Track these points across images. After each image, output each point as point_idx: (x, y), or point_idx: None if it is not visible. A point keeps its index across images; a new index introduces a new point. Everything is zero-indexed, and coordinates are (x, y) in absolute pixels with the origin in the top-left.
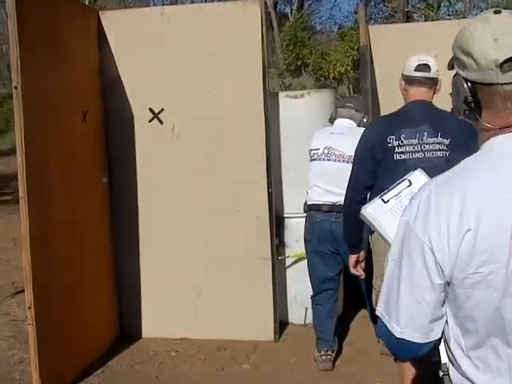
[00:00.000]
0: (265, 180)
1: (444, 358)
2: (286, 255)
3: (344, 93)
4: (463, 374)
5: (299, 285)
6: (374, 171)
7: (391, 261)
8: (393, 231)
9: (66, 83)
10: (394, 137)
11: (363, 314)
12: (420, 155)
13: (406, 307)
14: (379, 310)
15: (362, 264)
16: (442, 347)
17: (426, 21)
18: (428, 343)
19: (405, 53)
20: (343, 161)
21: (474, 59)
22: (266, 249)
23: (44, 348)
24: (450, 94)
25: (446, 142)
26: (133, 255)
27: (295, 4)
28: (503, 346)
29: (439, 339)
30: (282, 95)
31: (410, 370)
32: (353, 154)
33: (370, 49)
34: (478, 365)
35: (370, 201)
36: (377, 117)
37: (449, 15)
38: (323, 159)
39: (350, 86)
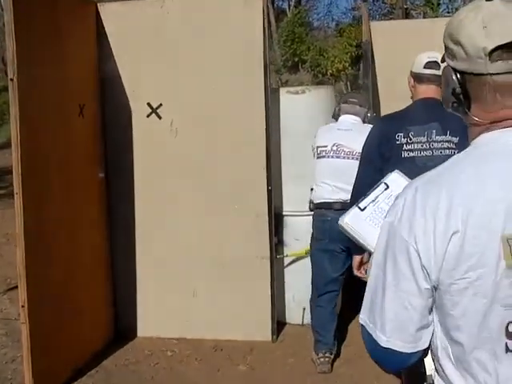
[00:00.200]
0: (264, 177)
1: (429, 369)
2: (285, 254)
3: (341, 89)
4: None
5: (297, 284)
6: (381, 169)
7: (374, 265)
8: (373, 239)
9: (63, 76)
10: (402, 134)
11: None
12: (428, 153)
13: (391, 314)
14: (362, 318)
15: (366, 266)
16: (426, 358)
17: (424, 18)
18: (415, 353)
19: (405, 49)
20: (352, 158)
21: (463, 47)
22: (264, 248)
23: (37, 347)
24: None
25: (455, 140)
26: (129, 253)
27: (293, 0)
28: (491, 358)
29: (427, 349)
30: (282, 91)
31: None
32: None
33: (371, 45)
34: (465, 376)
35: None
36: (377, 113)
37: (448, 12)
38: (332, 156)
39: (348, 83)
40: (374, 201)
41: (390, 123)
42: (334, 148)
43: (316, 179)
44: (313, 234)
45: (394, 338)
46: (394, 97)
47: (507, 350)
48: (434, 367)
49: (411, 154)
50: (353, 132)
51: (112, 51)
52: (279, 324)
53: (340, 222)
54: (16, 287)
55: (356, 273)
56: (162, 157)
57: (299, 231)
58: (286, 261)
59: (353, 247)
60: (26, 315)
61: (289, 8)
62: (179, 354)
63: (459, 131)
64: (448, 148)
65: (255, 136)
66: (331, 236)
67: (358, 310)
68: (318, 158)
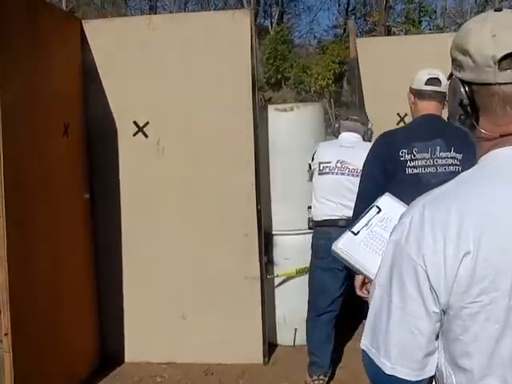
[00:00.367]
0: (253, 196)
1: None
2: (275, 274)
3: (325, 107)
4: None
5: (288, 305)
6: (384, 185)
7: (378, 286)
8: (369, 263)
9: (47, 95)
10: (406, 150)
11: (356, 334)
12: (432, 170)
13: (397, 339)
14: (364, 343)
15: (368, 286)
16: None
17: (406, 35)
18: (421, 381)
19: (391, 65)
20: (357, 175)
21: (471, 56)
22: (254, 268)
23: (20, 377)
24: (447, 102)
25: (459, 156)
26: (115, 276)
27: (275, 17)
28: None
29: (432, 377)
30: (270, 108)
31: None
32: None
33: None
34: None
35: None
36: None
37: (430, 29)
38: (337, 173)
39: (332, 100)
40: (367, 224)
41: (393, 139)
42: (339, 165)
43: (317, 196)
44: (314, 252)
45: (400, 365)
46: (381, 113)
47: None
48: None
49: (415, 171)
50: (355, 149)
51: (97, 69)
52: (270, 346)
53: (333, 248)
54: None
55: (358, 293)
56: (149, 176)
57: (289, 250)
58: (277, 281)
59: None
60: (9, 344)
61: (271, 25)
62: (169, 380)
63: (463, 148)
64: (452, 164)
65: (244, 154)
66: None
67: (352, 329)
68: (320, 174)
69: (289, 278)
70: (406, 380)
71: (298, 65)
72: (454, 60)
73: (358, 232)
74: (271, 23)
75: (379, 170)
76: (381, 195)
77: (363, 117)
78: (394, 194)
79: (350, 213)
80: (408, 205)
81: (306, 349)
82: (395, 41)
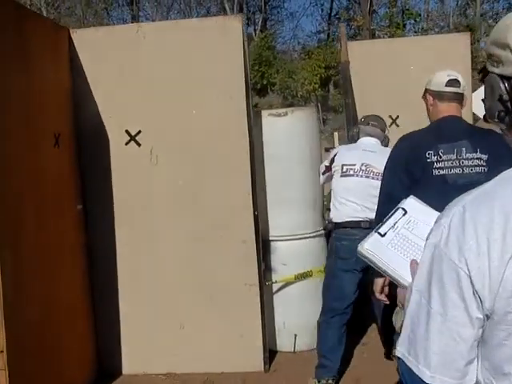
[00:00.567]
0: (250, 202)
1: None
2: (274, 280)
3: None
4: None
5: (287, 311)
6: (408, 187)
7: (416, 291)
8: (398, 266)
9: (37, 105)
10: (432, 152)
11: (357, 339)
12: (458, 171)
13: (437, 346)
14: (400, 351)
15: (386, 289)
16: None
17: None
18: None
19: (381, 68)
20: (380, 179)
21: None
22: (252, 275)
23: None
24: (483, 100)
25: (485, 157)
26: (110, 286)
27: (259, 24)
28: None
29: None
30: (264, 114)
31: None
32: None
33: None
34: None
35: None
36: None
37: (415, 32)
38: (361, 176)
39: (319, 104)
40: (393, 226)
41: (418, 141)
42: (363, 168)
43: (338, 197)
44: (334, 254)
45: (440, 374)
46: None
47: None
48: None
49: (441, 172)
50: (378, 154)
51: (87, 78)
52: (270, 352)
53: (359, 249)
54: None
55: (378, 296)
56: (143, 186)
57: (286, 256)
58: (275, 287)
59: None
60: (4, 362)
61: (255, 32)
62: None
63: (488, 149)
64: (478, 165)
65: (239, 160)
66: None
67: (352, 335)
68: (342, 176)
69: (287, 283)
70: None
71: (284, 70)
72: (490, 56)
73: (385, 234)
74: (255, 30)
75: (403, 172)
76: (405, 197)
77: (382, 123)
78: (420, 196)
79: (372, 215)
80: (434, 207)
81: (310, 353)
82: (385, 44)
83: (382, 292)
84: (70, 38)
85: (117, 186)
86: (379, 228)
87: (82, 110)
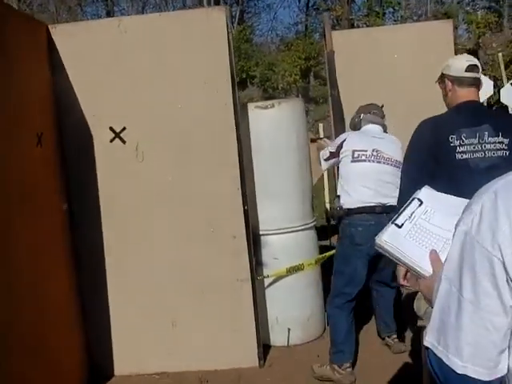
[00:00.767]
0: (239, 197)
1: None
2: (265, 275)
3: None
4: None
5: (280, 305)
6: (433, 171)
7: (445, 279)
8: (417, 257)
9: (17, 104)
10: (455, 136)
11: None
12: (480, 155)
13: (469, 336)
14: (429, 340)
15: (409, 274)
16: None
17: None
18: (493, 380)
19: (363, 57)
20: (391, 164)
21: None
22: (244, 270)
23: None
24: None
25: (506, 141)
26: (99, 286)
27: (236, 17)
28: None
29: (503, 376)
30: (251, 106)
31: None
32: (399, 159)
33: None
34: None
35: None
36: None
37: (395, 21)
38: (373, 161)
39: (300, 96)
40: (410, 217)
41: (440, 126)
42: (375, 153)
43: (349, 183)
44: (348, 240)
45: (472, 364)
46: (358, 104)
47: None
48: None
49: (464, 156)
50: (386, 140)
51: (68, 75)
52: (264, 347)
53: (377, 241)
54: None
55: (402, 282)
56: (130, 183)
57: (277, 250)
58: (267, 281)
59: None
60: None
61: (232, 25)
62: None
63: (510, 132)
64: (500, 149)
65: (227, 155)
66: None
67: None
68: (354, 161)
69: (279, 277)
70: (479, 380)
71: (264, 63)
72: None
73: (402, 225)
74: (232, 23)
75: (427, 156)
76: (420, 187)
77: (381, 111)
78: (443, 179)
79: (385, 200)
80: (457, 191)
81: (304, 347)
82: (367, 33)
83: (405, 278)
84: (48, 34)
85: (102, 184)
86: (396, 219)
87: (64, 108)
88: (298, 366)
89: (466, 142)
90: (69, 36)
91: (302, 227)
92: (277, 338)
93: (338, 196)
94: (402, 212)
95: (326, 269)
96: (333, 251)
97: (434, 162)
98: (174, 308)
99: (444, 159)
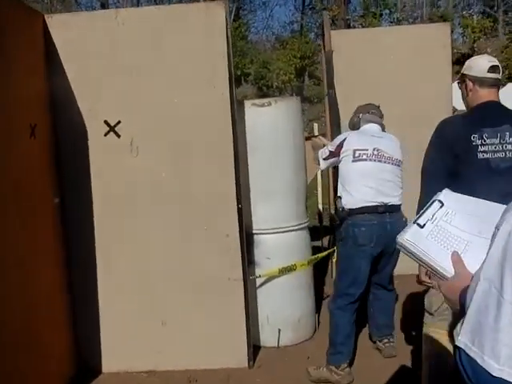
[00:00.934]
0: (234, 195)
1: None
2: (257, 274)
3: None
4: None
5: (271, 305)
6: (454, 170)
7: (484, 280)
8: (439, 257)
9: (10, 94)
10: (477, 135)
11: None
12: (501, 155)
13: (509, 338)
14: (462, 341)
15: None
16: None
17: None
18: None
19: (360, 57)
20: (392, 163)
21: None
22: (236, 269)
23: None
24: None
25: None
26: (90, 282)
27: (232, 14)
28: None
29: None
30: (248, 104)
31: None
32: (399, 158)
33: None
34: None
35: None
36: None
37: (391, 22)
38: (374, 160)
39: (294, 95)
40: (431, 218)
41: (462, 125)
42: (376, 152)
43: (351, 183)
44: (351, 240)
45: (509, 367)
46: (352, 104)
47: None
48: None
49: (485, 156)
50: (385, 139)
51: (63, 66)
52: (254, 348)
53: (399, 240)
54: None
55: (424, 278)
56: (123, 178)
57: (270, 250)
58: (259, 281)
59: None
60: None
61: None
62: None
63: None
64: None
65: (223, 152)
66: (377, 240)
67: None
68: (355, 160)
69: (271, 277)
70: None
71: (259, 61)
72: None
73: (424, 225)
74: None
75: (448, 154)
76: (441, 188)
77: (380, 111)
78: (464, 178)
79: (386, 199)
80: (478, 190)
81: (295, 348)
82: (365, 33)
83: (426, 274)
84: (44, 24)
85: (96, 178)
86: (418, 219)
87: (58, 100)
88: (288, 367)
89: (488, 141)
90: (65, 26)
91: (296, 227)
92: (267, 339)
93: (339, 197)
94: (423, 212)
95: (318, 270)
96: (325, 252)
97: (455, 161)
98: (164, 306)
99: (465, 158)
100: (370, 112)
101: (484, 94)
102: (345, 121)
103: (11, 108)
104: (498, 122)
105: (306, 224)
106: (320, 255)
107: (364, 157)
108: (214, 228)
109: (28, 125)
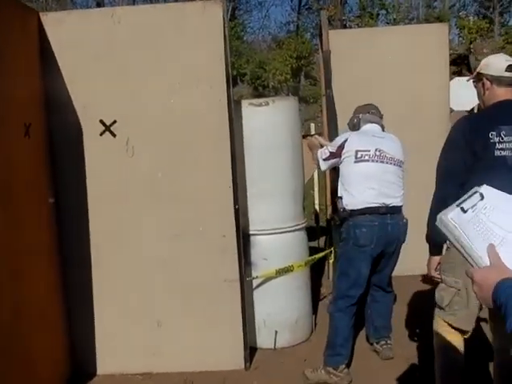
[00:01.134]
0: (231, 196)
1: None
2: (254, 276)
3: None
4: None
5: (268, 307)
6: (472, 167)
7: None
8: (477, 244)
9: (4, 92)
10: (495, 133)
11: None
12: None
13: None
14: None
15: (438, 266)
16: None
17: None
18: None
19: (357, 57)
20: (394, 164)
21: None
22: (233, 270)
23: None
24: None
25: None
26: (84, 283)
27: (228, 14)
28: None
29: None
30: (245, 103)
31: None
32: (401, 158)
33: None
34: None
35: None
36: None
37: (387, 23)
38: (377, 161)
39: (290, 95)
40: (472, 207)
41: (481, 122)
42: (377, 153)
43: (352, 184)
44: (352, 241)
45: None
46: (349, 105)
47: None
48: None
49: (503, 153)
50: (386, 139)
51: (58, 64)
52: (250, 350)
53: (442, 217)
54: None
55: (433, 273)
56: (118, 178)
57: (267, 250)
58: (255, 283)
59: (433, 247)
60: None
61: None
62: None
63: None
64: None
65: (219, 152)
66: (378, 241)
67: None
68: (357, 161)
69: (268, 279)
70: None
71: (255, 61)
72: None
73: (467, 210)
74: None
75: (466, 151)
76: (457, 184)
77: (379, 111)
78: (481, 175)
79: (388, 200)
80: (495, 187)
81: (291, 350)
82: (363, 33)
83: (435, 269)
84: (39, 22)
85: (91, 178)
86: (461, 203)
87: (53, 99)
88: (284, 370)
89: (506, 139)
90: (60, 24)
91: (293, 228)
92: (263, 341)
93: (340, 197)
94: (465, 199)
95: (315, 271)
96: (322, 253)
97: (473, 158)
98: (159, 307)
99: (483, 155)
100: (370, 112)
101: (501, 93)
102: (341, 121)
103: (5, 107)
104: None
105: (303, 225)
106: (317, 256)
107: (366, 158)
108: (211, 228)
109: (22, 124)
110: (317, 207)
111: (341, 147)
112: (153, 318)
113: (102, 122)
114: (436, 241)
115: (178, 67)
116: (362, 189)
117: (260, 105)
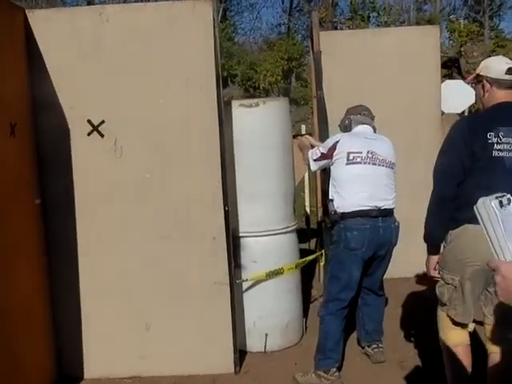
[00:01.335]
0: (221, 197)
1: None
2: (244, 278)
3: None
4: None
5: (258, 310)
6: (469, 168)
7: None
8: (510, 238)
9: None
10: (493, 133)
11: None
12: None
13: None
14: None
15: (437, 266)
16: None
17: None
18: None
19: (349, 58)
20: (386, 166)
21: None
22: (222, 273)
23: None
24: None
25: None
26: (71, 286)
27: (219, 15)
28: None
29: None
30: (235, 104)
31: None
32: (392, 160)
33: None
34: None
35: None
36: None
37: (378, 25)
38: (369, 163)
39: (281, 96)
40: (504, 206)
41: (480, 123)
42: (370, 155)
43: (344, 186)
44: (343, 244)
45: None
46: (339, 106)
47: None
48: None
49: (500, 154)
50: (379, 141)
51: (45, 63)
52: (240, 353)
53: (485, 201)
54: None
55: (432, 273)
56: (106, 179)
57: (257, 253)
58: (245, 285)
59: (431, 247)
60: None
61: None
62: None
63: None
64: None
65: (209, 153)
66: (369, 244)
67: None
68: (349, 163)
69: (258, 281)
70: None
71: (246, 62)
72: None
73: (504, 206)
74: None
75: (465, 151)
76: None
77: (370, 112)
78: (476, 173)
79: (380, 203)
80: (492, 187)
81: (282, 354)
82: (354, 34)
83: (435, 269)
84: (26, 20)
85: (78, 179)
86: (499, 198)
87: (40, 98)
88: (274, 373)
89: (504, 140)
90: (47, 22)
91: (284, 230)
92: (253, 344)
93: (331, 200)
94: (501, 196)
95: (306, 273)
96: (313, 256)
97: (472, 158)
98: (148, 310)
99: (481, 155)
100: (362, 113)
101: (501, 96)
102: (332, 123)
103: None
104: None
105: (294, 227)
106: (308, 258)
107: (358, 160)
108: (201, 231)
109: (8, 123)
110: (307, 209)
111: (332, 148)
112: (141, 321)
113: (89, 122)
114: (434, 240)
115: (167, 67)
116: (353, 191)
117: (250, 106)
